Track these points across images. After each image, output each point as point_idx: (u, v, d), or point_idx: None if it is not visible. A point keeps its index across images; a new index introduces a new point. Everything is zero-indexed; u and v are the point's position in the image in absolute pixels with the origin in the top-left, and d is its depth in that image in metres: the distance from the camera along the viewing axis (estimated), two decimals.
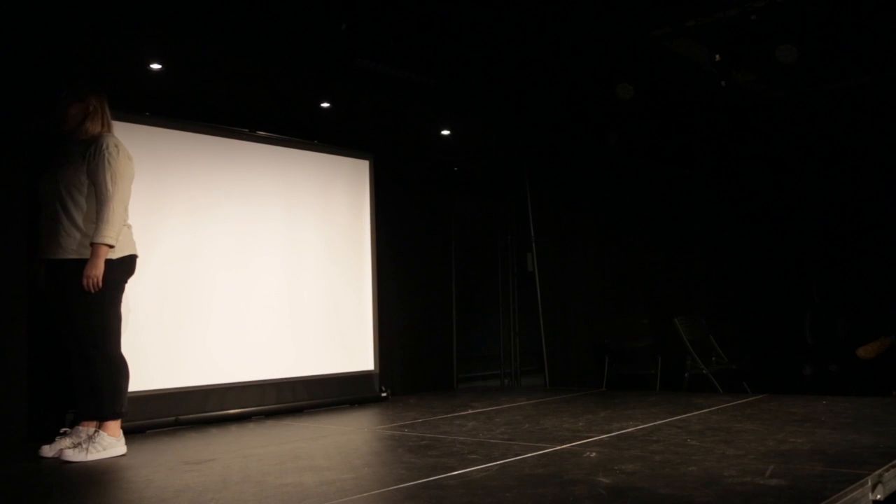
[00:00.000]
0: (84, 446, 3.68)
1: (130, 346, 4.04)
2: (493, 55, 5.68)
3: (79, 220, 3.75)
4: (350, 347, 5.98)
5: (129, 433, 4.01)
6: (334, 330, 5.87)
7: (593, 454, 3.36)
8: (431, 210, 6.98)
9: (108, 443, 3.75)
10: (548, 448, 3.56)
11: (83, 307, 3.72)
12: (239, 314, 5.26)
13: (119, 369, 3.85)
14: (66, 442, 3.75)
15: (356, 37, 5.16)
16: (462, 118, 6.78)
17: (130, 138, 4.12)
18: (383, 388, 6.11)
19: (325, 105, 5.89)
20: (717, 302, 6.85)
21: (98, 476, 3.38)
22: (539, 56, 5.70)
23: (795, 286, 6.54)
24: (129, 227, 3.91)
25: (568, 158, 7.28)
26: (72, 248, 3.74)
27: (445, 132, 6.90)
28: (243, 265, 5.33)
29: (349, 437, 4.36)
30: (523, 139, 7.26)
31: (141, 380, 4.38)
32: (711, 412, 4.63)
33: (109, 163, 3.76)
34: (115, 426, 3.81)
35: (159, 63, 4.91)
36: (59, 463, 3.61)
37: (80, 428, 3.82)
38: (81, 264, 3.69)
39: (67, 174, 3.77)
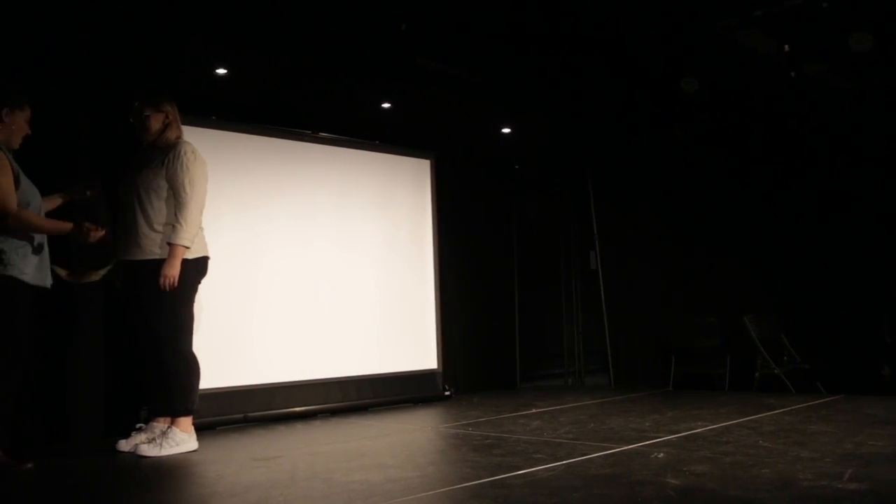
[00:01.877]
0: (158, 442, 3.79)
1: (201, 344, 4.14)
2: (553, 50, 5.62)
3: (157, 222, 3.90)
4: (413, 346, 6.01)
5: (200, 429, 4.11)
6: (398, 329, 5.91)
7: (661, 455, 3.30)
8: (493, 208, 6.96)
9: (181, 439, 3.85)
10: (614, 448, 3.51)
11: (158, 306, 3.84)
12: (304, 313, 5.34)
13: (191, 367, 3.96)
14: (141, 437, 3.87)
15: (416, 37, 5.17)
16: (523, 115, 6.74)
17: (198, 142, 4.21)
18: (446, 387, 6.12)
19: (386, 105, 5.93)
20: (788, 299, 6.64)
21: (171, 471, 3.47)
22: (601, 50, 5.62)
23: (872, 282, 6.30)
24: (202, 229, 4.01)
25: (631, 154, 7.16)
26: (150, 249, 3.88)
27: (506, 130, 6.87)
28: (307, 265, 5.40)
29: (413, 435, 4.37)
30: (585, 135, 7.18)
31: (210, 377, 4.47)
32: (784, 413, 4.50)
33: (187, 168, 3.90)
34: (186, 422, 3.91)
35: (225, 68, 5.02)
36: (135, 457, 3.72)
37: (155, 424, 3.93)
38: (159, 265, 3.82)
39: (147, 179, 3.92)
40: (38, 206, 3.59)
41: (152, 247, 3.88)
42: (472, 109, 6.38)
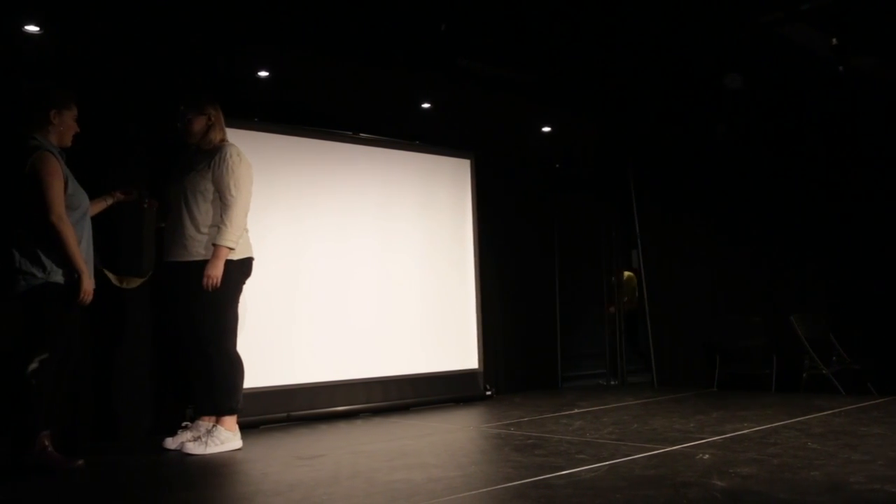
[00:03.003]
0: (203, 440, 3.85)
1: (245, 343, 4.19)
2: (594, 49, 5.58)
3: (203, 224, 3.97)
4: (454, 346, 6.01)
5: (244, 428, 4.17)
6: (439, 328, 5.92)
7: (706, 456, 3.26)
8: (534, 208, 6.93)
9: (226, 437, 3.91)
10: (658, 449, 3.47)
11: (204, 307, 3.90)
12: (346, 313, 5.37)
13: (235, 367, 4.01)
14: (187, 435, 3.93)
15: (456, 36, 5.17)
16: (563, 114, 6.70)
17: (240, 143, 4.26)
18: (488, 387, 6.11)
19: (427, 105, 5.95)
20: (837, 298, 6.50)
21: (216, 469, 3.52)
22: (642, 47, 5.56)
23: None
24: (247, 230, 4.08)
25: (674, 152, 7.08)
26: (196, 251, 3.95)
27: (547, 129, 6.84)
28: (349, 265, 5.44)
29: (455, 434, 4.38)
30: (627, 133, 7.12)
31: (254, 377, 4.53)
32: (833, 414, 4.41)
33: (233, 170, 3.97)
34: (231, 421, 3.97)
35: (267, 71, 5.08)
36: (181, 455, 3.78)
37: (200, 423, 3.99)
38: (203, 266, 3.89)
39: (194, 181, 3.99)
40: (86, 208, 3.66)
41: (198, 248, 3.95)
42: (512, 109, 6.36)
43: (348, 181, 5.52)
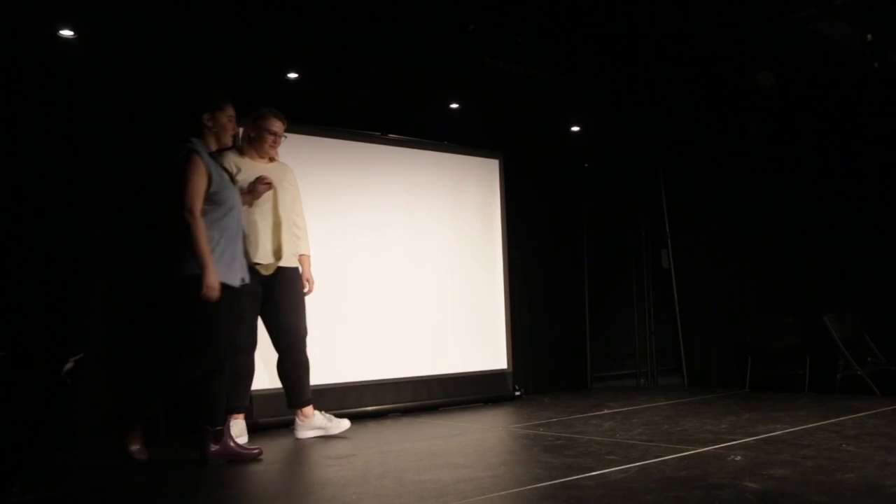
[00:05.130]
0: (329, 424, 4.32)
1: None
2: (623, 46, 5.54)
3: (297, 234, 4.36)
4: (484, 346, 6.01)
5: (276, 428, 4.20)
6: (468, 329, 5.92)
7: (738, 458, 3.22)
8: (562, 207, 6.90)
9: (318, 422, 4.27)
10: (689, 450, 3.43)
11: (304, 309, 4.25)
12: (375, 313, 5.39)
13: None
14: (317, 423, 4.32)
15: (484, 36, 5.17)
16: (592, 113, 6.67)
17: None
18: (517, 387, 6.10)
19: (455, 106, 5.95)
20: (871, 297, 6.38)
21: (247, 468, 3.55)
22: (672, 44, 5.51)
23: None
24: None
25: (704, 151, 7.00)
26: (295, 259, 4.28)
27: (575, 128, 6.81)
28: (377, 266, 5.46)
29: (484, 435, 4.37)
30: (656, 132, 7.06)
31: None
32: (868, 416, 4.34)
33: (297, 187, 4.44)
34: (310, 409, 4.27)
35: (296, 73, 5.11)
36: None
37: (314, 414, 4.32)
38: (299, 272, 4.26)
39: (288, 193, 4.30)
40: (232, 205, 3.66)
41: (295, 256, 4.29)
42: (540, 108, 6.34)
43: (378, 182, 5.54)
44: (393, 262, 5.55)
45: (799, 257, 6.74)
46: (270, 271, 4.12)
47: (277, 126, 4.21)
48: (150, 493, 3.13)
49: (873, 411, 4.50)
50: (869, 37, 5.20)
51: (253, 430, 4.37)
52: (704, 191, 7.04)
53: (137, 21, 4.42)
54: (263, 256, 4.10)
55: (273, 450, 3.95)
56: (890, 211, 6.31)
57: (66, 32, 4.27)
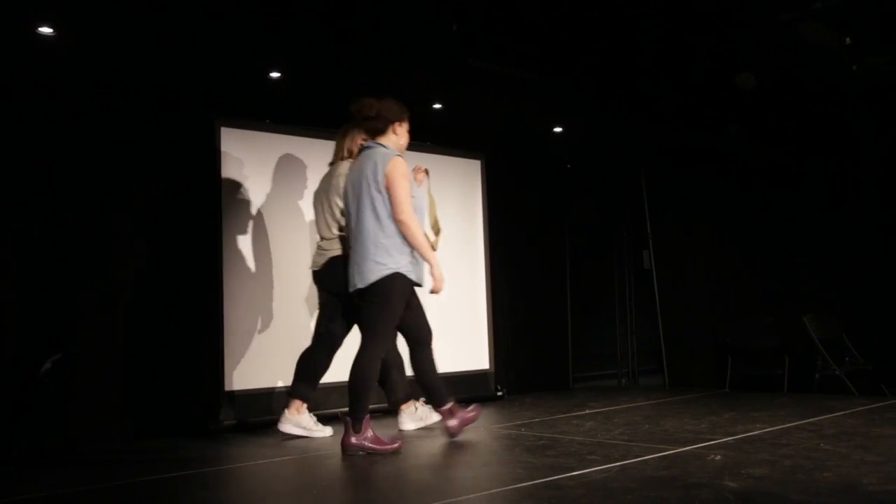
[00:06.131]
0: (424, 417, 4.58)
1: (273, 346, 4.20)
2: (605, 48, 5.56)
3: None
4: (465, 346, 6.01)
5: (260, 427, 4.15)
6: (450, 328, 5.90)
7: (718, 457, 3.24)
8: (544, 208, 6.92)
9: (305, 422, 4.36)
10: (670, 450, 3.45)
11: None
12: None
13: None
14: (421, 414, 4.61)
15: (467, 37, 5.17)
16: (574, 114, 6.69)
17: (250, 145, 4.31)
18: (499, 387, 6.10)
19: (437, 106, 5.95)
20: (849, 298, 6.45)
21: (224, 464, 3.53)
22: (653, 46, 5.54)
23: None
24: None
25: (685, 152, 7.05)
26: None
27: (558, 129, 6.83)
28: None
29: (466, 435, 4.37)
30: (638, 133, 7.10)
31: (261, 378, 4.52)
32: (846, 415, 4.38)
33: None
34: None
35: (278, 72, 5.09)
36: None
37: (418, 406, 4.62)
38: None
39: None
40: (419, 207, 3.95)
41: None
42: (523, 109, 6.35)
43: None
44: None
45: (778, 258, 6.81)
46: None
47: None
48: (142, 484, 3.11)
49: (850, 411, 4.55)
50: (848, 40, 5.25)
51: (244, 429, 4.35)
52: (686, 192, 7.08)
53: (119, 19, 4.38)
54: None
55: (238, 449, 3.92)
56: (869, 212, 6.38)
57: (45, 30, 4.23)
